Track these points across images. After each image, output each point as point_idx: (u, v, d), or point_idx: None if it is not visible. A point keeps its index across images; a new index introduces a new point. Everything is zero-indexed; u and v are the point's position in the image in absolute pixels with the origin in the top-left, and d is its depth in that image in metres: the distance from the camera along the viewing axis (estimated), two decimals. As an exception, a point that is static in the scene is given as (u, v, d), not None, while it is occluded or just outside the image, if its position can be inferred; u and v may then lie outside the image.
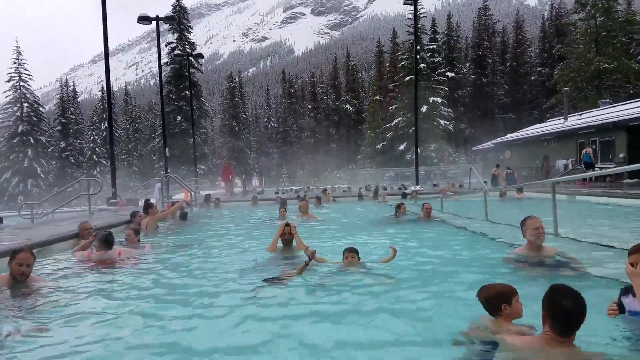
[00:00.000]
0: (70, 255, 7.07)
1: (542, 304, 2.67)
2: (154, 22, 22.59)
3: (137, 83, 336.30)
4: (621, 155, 24.36)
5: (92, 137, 58.77)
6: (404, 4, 23.11)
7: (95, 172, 56.05)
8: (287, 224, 6.92)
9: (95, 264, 6.40)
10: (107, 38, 17.28)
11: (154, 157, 62.82)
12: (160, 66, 24.27)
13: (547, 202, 14.45)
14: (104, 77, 17.69)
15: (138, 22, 22.09)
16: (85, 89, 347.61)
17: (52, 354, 3.32)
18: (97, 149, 57.00)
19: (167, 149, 23.76)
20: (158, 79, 26.02)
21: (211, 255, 6.98)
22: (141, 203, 19.10)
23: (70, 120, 65.70)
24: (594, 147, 26.24)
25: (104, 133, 60.99)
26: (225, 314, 4.22)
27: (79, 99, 79.62)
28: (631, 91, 44.21)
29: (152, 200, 20.32)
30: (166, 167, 22.69)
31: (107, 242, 6.64)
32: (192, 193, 15.57)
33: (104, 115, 62.64)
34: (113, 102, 17.49)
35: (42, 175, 54.37)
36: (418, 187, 20.34)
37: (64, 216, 14.19)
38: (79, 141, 66.18)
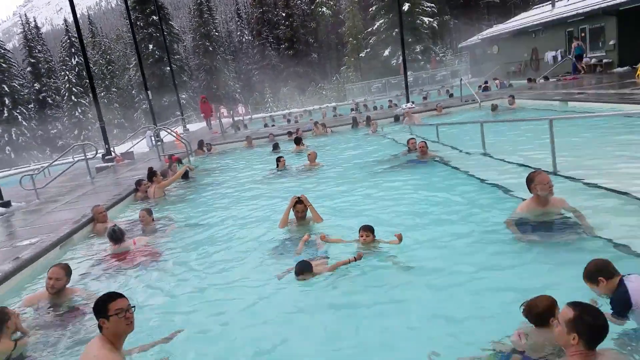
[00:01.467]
0: (88, 248, 7.34)
1: (568, 326, 2.83)
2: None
3: (98, 7, 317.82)
4: (611, 42, 23.93)
5: (66, 77, 56.57)
6: None
7: (76, 113, 54.80)
8: (299, 200, 6.53)
9: (113, 259, 6.54)
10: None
11: (133, 92, 61.11)
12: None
13: (541, 112, 14.51)
14: (62, 4, 16.60)
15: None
16: (46, 19, 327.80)
17: None
18: (73, 88, 55.13)
19: (149, 92, 23.03)
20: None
21: (223, 237, 7.05)
22: (136, 155, 19.02)
23: (39, 59, 62.70)
24: (582, 35, 25.74)
25: (77, 69, 58.66)
26: (246, 307, 4.63)
27: (42, 33, 75.46)
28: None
29: (146, 149, 20.16)
30: (152, 113, 22.16)
31: (113, 238, 6.75)
32: (186, 143, 15.45)
33: (72, 50, 59.94)
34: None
35: (24, 122, 53.19)
36: (409, 105, 20.11)
37: (62, 182, 14.11)
38: (52, 80, 63.66)
